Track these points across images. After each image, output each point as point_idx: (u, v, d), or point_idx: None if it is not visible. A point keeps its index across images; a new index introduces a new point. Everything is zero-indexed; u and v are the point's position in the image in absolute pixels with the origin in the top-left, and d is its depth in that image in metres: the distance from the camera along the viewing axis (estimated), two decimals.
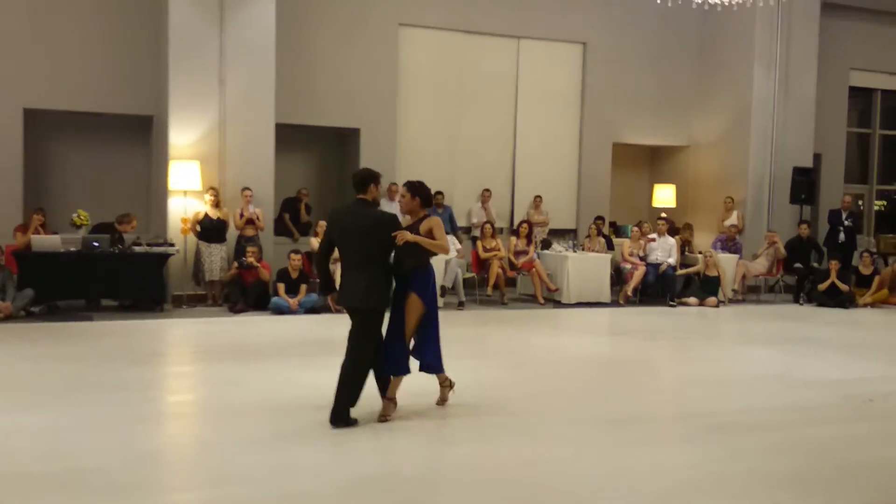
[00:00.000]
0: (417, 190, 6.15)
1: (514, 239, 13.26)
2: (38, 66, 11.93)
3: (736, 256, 13.88)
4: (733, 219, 14.55)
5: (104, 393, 6.67)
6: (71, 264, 10.55)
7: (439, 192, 13.85)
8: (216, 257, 11.52)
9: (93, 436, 5.51)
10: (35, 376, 7.22)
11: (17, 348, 8.52)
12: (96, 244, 10.70)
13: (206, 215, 11.54)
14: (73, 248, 10.65)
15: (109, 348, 8.59)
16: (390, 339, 5.99)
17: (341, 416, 5.76)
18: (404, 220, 6.26)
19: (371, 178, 5.91)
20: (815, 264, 14.07)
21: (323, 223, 11.82)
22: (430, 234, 5.98)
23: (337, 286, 6.12)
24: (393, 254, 5.97)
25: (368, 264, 5.80)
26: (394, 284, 6.02)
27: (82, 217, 11.12)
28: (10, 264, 10.37)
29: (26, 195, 11.97)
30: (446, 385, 6.47)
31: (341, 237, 5.90)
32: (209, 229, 11.51)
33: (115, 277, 10.75)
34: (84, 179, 12.58)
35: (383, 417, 5.94)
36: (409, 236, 5.78)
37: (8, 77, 11.76)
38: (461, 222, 14.23)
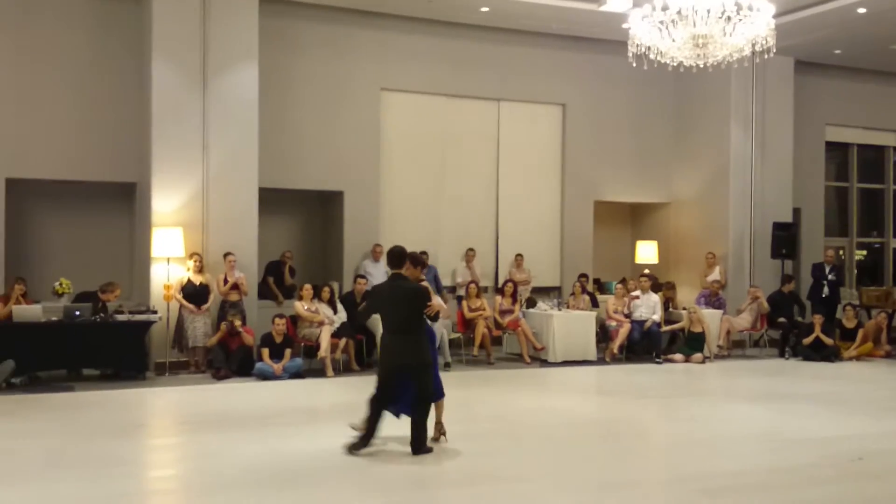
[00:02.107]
0: (419, 260, 7.34)
1: (499, 298, 13.26)
2: (20, 136, 11.93)
3: (720, 312, 13.92)
4: (716, 274, 14.63)
5: (85, 468, 6.54)
6: (52, 334, 10.43)
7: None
8: (199, 323, 11.43)
9: None
10: (14, 452, 7.07)
11: None
12: (77, 313, 10.60)
13: (189, 281, 11.48)
14: (54, 318, 10.54)
15: (91, 421, 8.44)
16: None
17: (422, 451, 6.94)
18: None
19: (405, 255, 7.13)
20: (799, 318, 14.13)
21: (307, 286, 11.85)
22: None
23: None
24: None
25: (415, 329, 6.97)
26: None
27: (64, 286, 11.02)
28: None
29: (7, 264, 11.85)
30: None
31: (383, 306, 7.09)
32: (192, 295, 11.44)
33: (96, 346, 10.61)
34: (66, 247, 12.48)
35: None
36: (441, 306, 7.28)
37: None
38: (446, 282, 14.22)
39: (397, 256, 7.10)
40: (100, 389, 10.12)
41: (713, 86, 15.05)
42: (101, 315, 10.77)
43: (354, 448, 6.89)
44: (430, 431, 7.16)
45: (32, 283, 11.40)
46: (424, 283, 7.38)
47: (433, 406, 7.19)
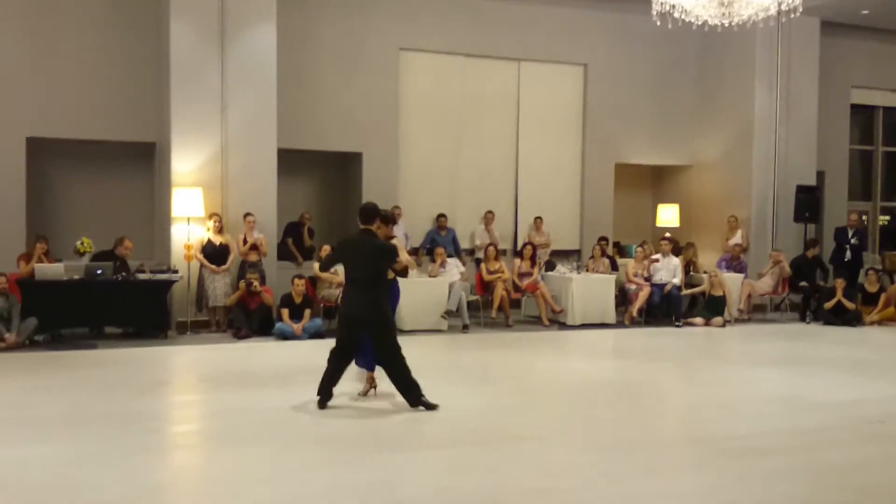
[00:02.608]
0: (389, 217, 7.41)
1: (517, 261, 13.23)
2: (40, 96, 11.98)
3: (741, 276, 13.82)
4: (737, 238, 14.51)
5: (109, 424, 6.62)
6: (74, 292, 10.54)
7: (442, 215, 13.88)
8: (219, 283, 11.51)
9: (98, 468, 5.46)
10: (39, 407, 7.17)
11: (21, 379, 8.49)
12: (99, 272, 10.68)
13: (209, 241, 11.53)
14: (76, 276, 10.64)
15: (114, 377, 8.55)
16: None
17: (419, 403, 7.00)
18: None
19: (377, 213, 7.08)
20: (821, 282, 14.01)
21: (326, 246, 11.86)
22: None
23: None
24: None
25: (374, 285, 6.96)
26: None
27: (86, 244, 11.11)
28: (13, 293, 10.34)
29: (29, 224, 11.96)
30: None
31: (348, 259, 7.06)
32: (212, 255, 11.49)
33: (118, 305, 10.73)
34: (87, 207, 12.58)
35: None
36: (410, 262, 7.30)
37: (10, 107, 11.80)
38: (464, 244, 14.22)
39: (369, 212, 7.05)
40: (122, 347, 10.23)
41: (738, 46, 14.82)
42: (123, 274, 10.84)
43: (320, 403, 7.05)
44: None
45: (54, 242, 11.51)
46: (395, 241, 7.53)
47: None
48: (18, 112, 11.84)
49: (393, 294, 7.60)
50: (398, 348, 7.03)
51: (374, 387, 7.50)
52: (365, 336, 7.08)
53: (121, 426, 6.54)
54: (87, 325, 11.01)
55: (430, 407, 6.99)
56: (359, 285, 6.94)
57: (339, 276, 11.66)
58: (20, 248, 11.45)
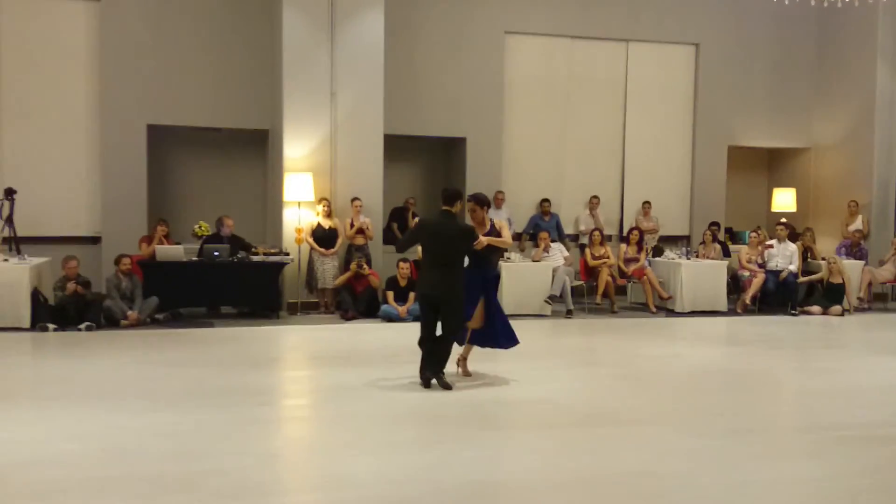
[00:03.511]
0: (485, 201, 7.56)
1: (623, 246, 13.01)
2: (160, 85, 12.50)
3: (861, 263, 13.20)
4: (858, 223, 13.87)
5: (224, 396, 6.89)
6: (193, 273, 10.98)
7: (546, 200, 13.78)
8: (328, 266, 11.78)
9: (215, 438, 5.69)
10: (159, 381, 7.52)
11: (143, 354, 8.93)
12: (217, 254, 11.10)
13: (319, 225, 11.82)
14: (194, 258, 11.09)
15: (229, 354, 8.89)
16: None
17: (436, 378, 7.11)
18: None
19: (459, 195, 7.30)
20: None
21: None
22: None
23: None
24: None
25: (452, 265, 7.13)
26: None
27: (203, 228, 11.59)
28: (136, 273, 10.86)
29: (150, 207, 12.54)
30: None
31: (427, 240, 7.23)
32: (321, 238, 11.78)
33: (233, 286, 11.13)
34: (204, 192, 13.10)
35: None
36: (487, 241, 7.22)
37: (132, 95, 12.36)
38: (568, 230, 14.09)
39: (450, 194, 7.27)
40: (237, 326, 10.62)
41: (858, 23, 14.12)
42: (239, 256, 11.22)
43: (424, 383, 7.18)
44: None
45: (173, 226, 12.04)
46: (498, 222, 7.64)
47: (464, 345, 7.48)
48: (140, 100, 12.40)
49: (493, 281, 7.62)
50: (460, 329, 7.27)
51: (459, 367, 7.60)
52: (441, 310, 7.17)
53: (235, 399, 6.80)
54: (204, 304, 11.47)
55: (447, 387, 7.08)
56: (437, 265, 7.12)
57: None
58: (142, 230, 12.03)
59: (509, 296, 11.56)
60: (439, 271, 7.10)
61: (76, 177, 12.47)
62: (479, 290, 7.37)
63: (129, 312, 10.42)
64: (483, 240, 7.22)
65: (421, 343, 7.29)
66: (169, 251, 11.05)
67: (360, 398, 6.91)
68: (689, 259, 12.85)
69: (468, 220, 7.63)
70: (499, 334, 7.51)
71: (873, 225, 14.18)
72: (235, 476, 4.92)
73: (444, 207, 7.22)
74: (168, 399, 6.79)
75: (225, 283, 11.08)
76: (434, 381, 7.12)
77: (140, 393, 7.02)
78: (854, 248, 13.46)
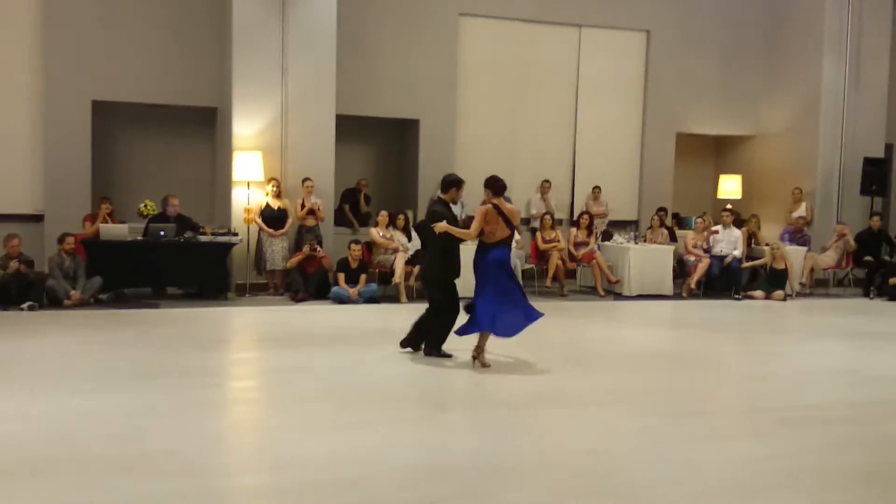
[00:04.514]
0: (488, 184, 7.58)
1: (574, 230, 13.13)
2: (106, 60, 12.20)
3: (804, 249, 13.52)
4: (801, 210, 14.18)
5: (170, 378, 6.79)
6: (138, 253, 10.78)
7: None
8: (278, 247, 11.66)
9: (161, 420, 5.61)
10: (104, 362, 7.38)
11: (86, 335, 8.74)
12: (162, 233, 10.90)
13: (268, 205, 11.68)
14: (139, 237, 10.88)
15: (175, 335, 8.75)
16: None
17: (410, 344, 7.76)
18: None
19: (453, 183, 7.63)
20: (887, 257, 13.62)
21: (384, 213, 11.92)
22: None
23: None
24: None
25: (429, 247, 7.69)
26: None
27: (149, 207, 11.36)
28: (79, 253, 10.62)
29: (94, 185, 12.26)
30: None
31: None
32: (271, 219, 11.65)
33: (180, 266, 10.95)
34: (150, 170, 12.84)
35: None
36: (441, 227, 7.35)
37: (77, 71, 12.04)
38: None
39: (446, 183, 7.72)
40: (184, 307, 10.46)
41: (806, 12, 14.40)
42: (185, 236, 11.04)
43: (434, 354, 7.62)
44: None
45: (118, 204, 11.80)
46: (484, 207, 7.48)
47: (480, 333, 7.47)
48: (85, 76, 12.08)
49: (499, 262, 7.53)
50: (443, 309, 7.61)
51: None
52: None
53: (181, 381, 6.71)
54: (150, 285, 11.27)
55: (417, 349, 7.75)
56: (424, 247, 7.78)
57: (395, 242, 11.78)
58: (86, 209, 11.77)
59: (461, 278, 11.60)
60: (426, 254, 7.77)
61: (18, 153, 12.13)
62: (481, 273, 7.46)
63: (73, 292, 10.20)
64: (439, 226, 7.38)
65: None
66: (113, 230, 10.83)
67: (309, 380, 6.88)
68: (636, 244, 13.03)
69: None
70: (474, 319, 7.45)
71: (817, 212, 14.51)
72: (181, 458, 4.86)
73: (440, 195, 7.71)
74: (112, 380, 6.67)
75: (171, 264, 10.91)
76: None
77: (84, 374, 6.89)
78: (797, 234, 13.76)
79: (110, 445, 5.03)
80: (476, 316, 7.32)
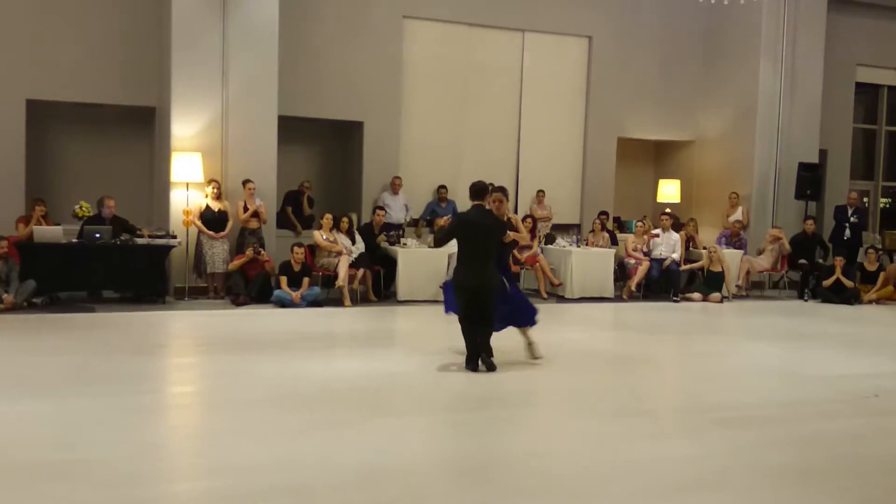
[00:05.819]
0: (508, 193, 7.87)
1: None
2: (40, 58, 11.88)
3: (740, 252, 13.82)
4: (738, 214, 14.49)
5: (106, 384, 6.64)
6: (72, 255, 10.52)
7: (443, 186, 13.85)
8: (218, 250, 11.49)
9: (94, 426, 5.47)
10: (37, 367, 7.19)
11: (19, 340, 8.50)
12: (98, 235, 10.66)
13: (208, 207, 11.51)
14: (74, 240, 10.62)
15: (111, 340, 8.55)
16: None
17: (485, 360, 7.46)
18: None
19: (486, 190, 7.60)
20: (821, 260, 14.01)
21: (328, 216, 11.83)
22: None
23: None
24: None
25: (492, 256, 7.48)
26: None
27: (84, 208, 11.08)
28: (12, 256, 10.33)
29: (28, 186, 11.92)
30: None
31: (468, 233, 7.45)
32: (211, 221, 11.47)
33: (117, 269, 10.72)
34: (86, 171, 12.53)
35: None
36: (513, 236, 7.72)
37: (10, 68, 11.72)
38: None
39: (478, 189, 7.55)
40: (120, 311, 10.24)
41: (744, 20, 14.71)
42: (122, 238, 10.81)
43: (470, 367, 7.42)
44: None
45: (53, 206, 11.49)
46: (512, 217, 8.09)
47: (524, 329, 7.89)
48: (18, 74, 11.75)
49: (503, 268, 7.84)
50: (491, 318, 7.58)
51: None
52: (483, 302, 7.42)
53: (117, 387, 6.56)
54: (85, 288, 11.01)
55: (493, 368, 7.42)
56: (476, 258, 7.39)
57: (338, 245, 11.71)
58: (19, 210, 11.42)
59: (405, 281, 11.64)
60: (479, 264, 7.39)
61: None
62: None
63: (5, 296, 9.92)
64: (510, 234, 7.65)
65: (463, 330, 7.51)
66: (47, 232, 10.55)
67: (249, 385, 6.78)
68: (578, 247, 13.17)
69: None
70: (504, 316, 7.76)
71: (753, 216, 14.84)
72: (116, 465, 4.75)
73: (476, 202, 7.51)
74: (46, 386, 6.50)
75: (107, 267, 10.67)
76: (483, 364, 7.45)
77: (16, 380, 6.70)
78: (734, 238, 14.06)
79: (44, 453, 4.90)
80: (445, 299, 8.01)
